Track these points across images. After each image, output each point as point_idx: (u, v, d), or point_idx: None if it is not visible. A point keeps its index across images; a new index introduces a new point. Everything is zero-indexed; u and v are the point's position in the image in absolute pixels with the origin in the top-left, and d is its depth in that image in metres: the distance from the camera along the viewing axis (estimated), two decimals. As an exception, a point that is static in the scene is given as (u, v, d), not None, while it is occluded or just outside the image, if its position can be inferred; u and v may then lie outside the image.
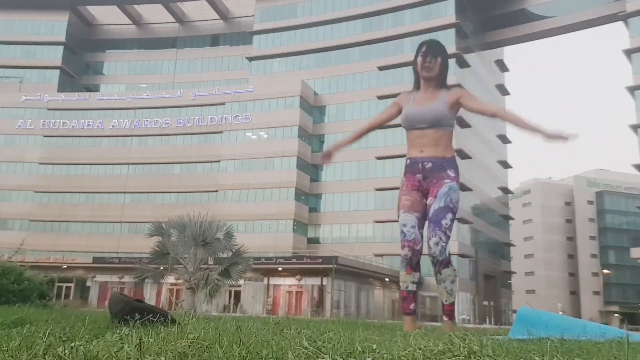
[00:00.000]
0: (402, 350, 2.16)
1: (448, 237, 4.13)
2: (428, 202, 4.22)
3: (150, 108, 60.66)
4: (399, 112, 4.54)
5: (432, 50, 4.41)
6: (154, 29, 71.21)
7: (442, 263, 4.14)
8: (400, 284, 4.35)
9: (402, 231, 4.24)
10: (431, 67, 4.36)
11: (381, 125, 4.86)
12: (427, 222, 4.20)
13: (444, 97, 4.32)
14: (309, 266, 41.42)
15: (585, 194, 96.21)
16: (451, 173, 4.27)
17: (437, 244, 4.08)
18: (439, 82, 4.40)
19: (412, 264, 4.24)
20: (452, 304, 4.26)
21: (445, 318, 4.38)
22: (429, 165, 4.24)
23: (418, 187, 4.29)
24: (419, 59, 4.42)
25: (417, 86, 4.52)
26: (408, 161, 4.38)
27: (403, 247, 4.22)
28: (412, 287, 4.29)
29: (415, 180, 4.29)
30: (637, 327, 47.94)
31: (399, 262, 4.32)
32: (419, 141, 4.30)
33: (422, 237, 4.23)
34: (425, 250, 4.22)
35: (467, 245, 53.86)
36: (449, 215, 4.15)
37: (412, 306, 4.31)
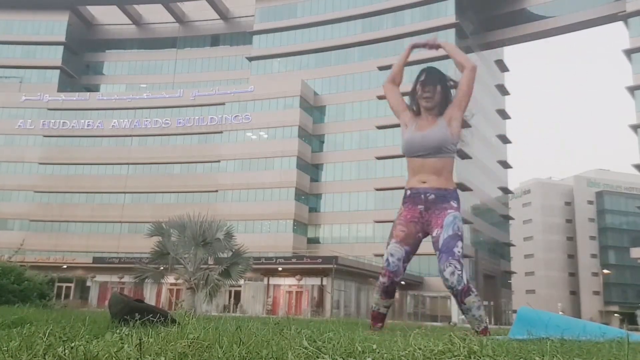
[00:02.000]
0: (402, 350, 2.16)
1: (462, 265, 4.02)
2: (434, 234, 4.13)
3: (150, 108, 60.67)
4: (403, 110, 4.48)
5: (432, 79, 4.35)
6: (154, 29, 71.22)
7: (462, 292, 4.00)
8: (373, 305, 4.34)
9: (386, 259, 4.17)
10: (431, 96, 4.30)
11: (399, 72, 4.72)
12: (438, 254, 4.07)
13: (443, 120, 4.27)
14: (309, 266, 41.42)
15: (585, 194, 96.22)
16: (454, 204, 4.21)
17: (452, 273, 3.96)
18: (440, 110, 4.33)
19: (388, 292, 4.23)
20: (485, 328, 4.10)
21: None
22: (432, 197, 4.17)
23: (418, 218, 4.21)
24: (418, 88, 4.36)
25: (417, 112, 4.42)
26: (409, 192, 4.28)
27: (383, 275, 4.17)
28: (384, 311, 4.31)
29: (416, 212, 4.21)
30: (637, 327, 47.93)
31: (376, 288, 4.30)
32: (420, 171, 4.22)
33: (404, 270, 4.21)
34: (434, 280, 4.20)
35: (467, 245, 53.79)
36: (459, 244, 4.08)
37: (379, 325, 4.31)
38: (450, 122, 4.27)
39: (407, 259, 4.20)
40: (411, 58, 4.86)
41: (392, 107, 4.57)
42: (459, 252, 4.04)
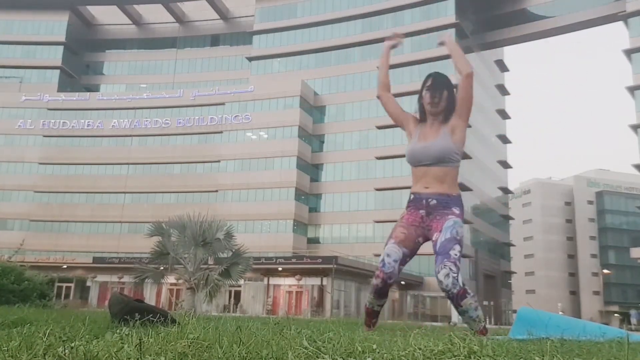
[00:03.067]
0: (402, 350, 2.16)
1: (458, 269, 3.96)
2: (433, 238, 4.11)
3: (150, 108, 60.68)
4: (405, 118, 4.47)
5: (438, 84, 4.32)
6: (154, 29, 71.23)
7: (458, 296, 3.94)
8: (367, 303, 4.32)
9: (382, 260, 4.12)
10: (437, 102, 4.26)
11: (387, 77, 4.69)
12: (435, 257, 4.03)
13: (446, 129, 4.23)
14: (309, 266, 41.43)
15: (585, 194, 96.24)
16: (456, 210, 4.19)
17: (447, 275, 3.90)
18: (446, 116, 4.29)
19: (382, 294, 4.20)
20: (484, 327, 4.06)
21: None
22: (434, 202, 4.16)
23: (419, 223, 4.19)
24: (426, 94, 4.33)
25: (422, 119, 4.40)
26: (412, 196, 4.28)
27: (377, 276, 4.12)
28: (378, 308, 4.31)
29: (417, 216, 4.20)
30: (631, 327, 47.95)
31: (370, 288, 4.26)
32: (423, 178, 4.22)
33: (399, 272, 4.16)
34: (428, 283, 4.13)
35: (467, 245, 53.83)
36: (457, 247, 4.04)
37: (373, 321, 4.33)
38: (454, 131, 4.23)
39: (403, 261, 4.16)
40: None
41: (393, 117, 4.55)
42: (455, 255, 3.99)
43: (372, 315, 4.33)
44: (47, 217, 59.02)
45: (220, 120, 58.46)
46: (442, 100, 4.26)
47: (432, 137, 4.25)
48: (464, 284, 3.95)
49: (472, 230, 56.42)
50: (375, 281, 4.15)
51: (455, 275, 3.91)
